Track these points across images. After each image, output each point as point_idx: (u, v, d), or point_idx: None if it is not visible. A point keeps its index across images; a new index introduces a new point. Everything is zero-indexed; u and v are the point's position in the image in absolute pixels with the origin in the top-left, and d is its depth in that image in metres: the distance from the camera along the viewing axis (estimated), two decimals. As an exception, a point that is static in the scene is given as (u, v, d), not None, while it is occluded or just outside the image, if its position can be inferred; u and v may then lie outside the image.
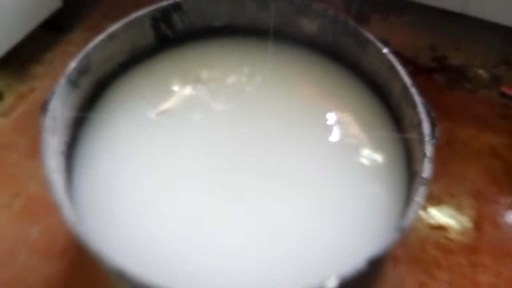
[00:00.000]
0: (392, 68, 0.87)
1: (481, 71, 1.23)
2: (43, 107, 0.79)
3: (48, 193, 0.67)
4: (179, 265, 0.75)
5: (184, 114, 0.92)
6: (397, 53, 0.88)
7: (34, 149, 1.08)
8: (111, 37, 0.90)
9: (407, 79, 0.84)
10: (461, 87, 1.21)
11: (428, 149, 0.75)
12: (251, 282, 0.73)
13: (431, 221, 0.99)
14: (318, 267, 0.74)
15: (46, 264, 0.92)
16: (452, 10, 1.16)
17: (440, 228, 0.98)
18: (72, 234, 0.65)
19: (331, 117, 0.93)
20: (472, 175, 1.05)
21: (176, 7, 0.96)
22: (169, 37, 1.00)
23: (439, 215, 1.00)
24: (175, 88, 0.96)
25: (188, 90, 0.96)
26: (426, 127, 0.78)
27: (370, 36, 0.89)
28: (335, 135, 0.90)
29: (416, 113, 0.81)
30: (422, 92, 0.81)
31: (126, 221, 0.79)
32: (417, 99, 0.81)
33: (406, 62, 1.16)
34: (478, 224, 0.99)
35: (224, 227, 0.78)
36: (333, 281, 0.62)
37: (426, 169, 0.73)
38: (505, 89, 1.19)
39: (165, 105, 0.93)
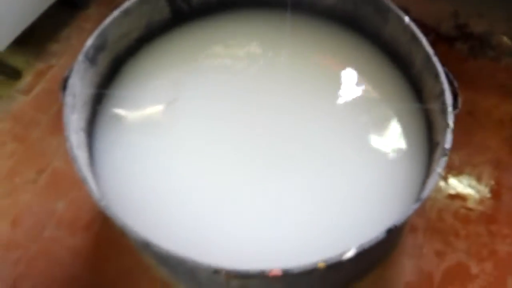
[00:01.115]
0: (414, 37, 0.84)
1: (505, 38, 1.19)
2: (63, 85, 0.80)
3: (72, 168, 0.69)
4: (196, 236, 0.76)
5: (201, 90, 0.92)
6: (417, 21, 0.85)
7: (56, 126, 1.11)
8: (126, 12, 0.89)
9: (429, 49, 0.82)
10: (484, 55, 1.17)
11: (450, 120, 0.74)
12: (279, 248, 0.74)
13: (451, 191, 0.98)
14: (339, 235, 0.74)
15: (72, 237, 0.94)
16: (476, -25, 1.13)
17: (459, 197, 0.97)
18: (97, 207, 0.67)
19: (351, 88, 0.91)
20: (493, 145, 1.04)
21: (191, -20, 0.95)
22: (184, 11, 0.99)
23: (459, 185, 0.99)
24: (191, 64, 0.96)
25: (204, 66, 0.96)
26: (448, 97, 0.76)
27: (392, 5, 0.87)
28: (355, 105, 0.89)
29: (438, 83, 0.79)
30: (444, 62, 0.79)
31: (146, 194, 0.80)
32: (440, 68, 0.80)
33: (427, 30, 1.14)
34: (497, 194, 0.98)
35: (246, 197, 0.80)
36: (353, 251, 0.62)
37: (448, 140, 0.72)
38: (530, 56, 1.16)
39: (182, 81, 0.94)
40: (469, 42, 1.20)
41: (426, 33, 0.85)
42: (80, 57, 0.82)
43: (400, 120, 0.87)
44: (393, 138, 0.86)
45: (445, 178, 1.00)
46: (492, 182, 0.99)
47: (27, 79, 1.17)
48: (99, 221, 0.95)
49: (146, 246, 0.63)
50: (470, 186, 0.99)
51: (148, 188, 0.81)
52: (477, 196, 0.97)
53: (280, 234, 0.76)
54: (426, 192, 0.68)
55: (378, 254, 0.87)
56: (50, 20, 1.22)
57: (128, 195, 0.80)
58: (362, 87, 0.92)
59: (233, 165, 0.82)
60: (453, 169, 1.01)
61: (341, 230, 0.76)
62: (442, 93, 0.78)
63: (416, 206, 0.67)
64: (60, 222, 0.96)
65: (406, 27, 0.86)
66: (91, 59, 0.85)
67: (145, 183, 0.81)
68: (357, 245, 0.63)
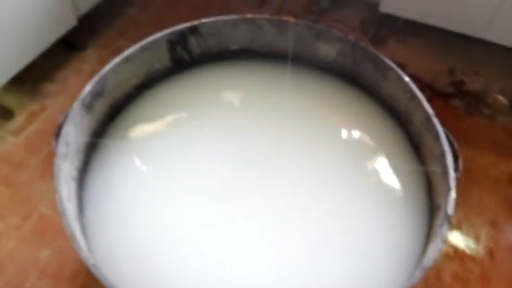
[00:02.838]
0: (414, 96, 0.85)
1: (500, 97, 1.21)
2: (56, 132, 0.78)
3: (59, 215, 0.66)
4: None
5: (198, 138, 0.90)
6: (414, 77, 0.86)
7: (46, 170, 1.08)
8: (126, 60, 0.89)
9: (429, 109, 0.82)
10: (480, 113, 1.18)
11: (452, 184, 0.73)
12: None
13: (449, 251, 0.96)
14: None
15: (55, 288, 0.90)
16: (473, 35, 1.15)
17: (458, 258, 0.95)
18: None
19: (349, 142, 0.91)
20: (491, 204, 1.03)
21: (193, 30, 0.95)
22: (185, 60, 0.99)
23: (457, 245, 0.97)
24: (189, 112, 0.95)
25: (202, 116, 0.94)
26: (449, 160, 0.76)
27: (391, 63, 0.88)
28: (351, 161, 0.88)
29: (439, 144, 0.79)
30: (440, 118, 0.79)
31: (136, 250, 0.77)
32: (440, 130, 0.79)
33: (423, 86, 1.15)
34: (495, 255, 0.96)
35: (242, 255, 0.77)
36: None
37: (451, 205, 0.71)
38: (525, 116, 1.17)
39: (179, 129, 0.92)
40: (465, 99, 1.21)
41: (421, 89, 0.85)
42: (76, 104, 0.81)
43: (400, 178, 0.86)
44: (393, 196, 0.84)
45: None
46: (490, 244, 0.97)
47: (19, 119, 1.14)
48: (84, 272, 0.91)
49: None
50: (468, 247, 0.97)
51: (138, 244, 0.77)
52: (475, 257, 0.95)
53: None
54: (429, 260, 0.66)
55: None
56: (47, 60, 1.21)
57: (117, 250, 0.77)
58: (362, 142, 0.91)
59: (230, 221, 0.80)
60: (451, 228, 0.99)
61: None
62: (442, 154, 0.77)
63: (419, 274, 0.64)
64: (44, 272, 0.91)
65: (405, 85, 0.87)
66: (88, 106, 0.84)
67: (134, 238, 0.78)
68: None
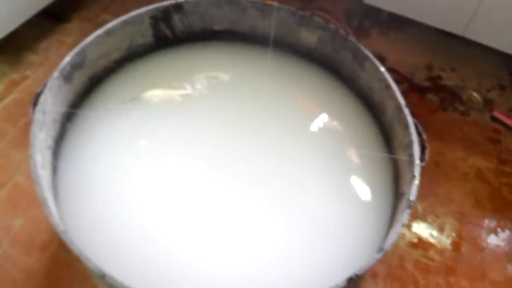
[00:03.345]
0: (388, 87, 0.87)
1: (475, 94, 1.24)
2: (34, 100, 0.78)
3: (34, 184, 0.67)
4: (158, 267, 0.75)
5: (173, 115, 0.92)
6: (393, 70, 0.88)
7: (23, 139, 1.08)
8: (108, 33, 0.89)
9: (401, 99, 0.84)
10: (454, 108, 1.22)
11: (417, 172, 0.75)
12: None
13: (413, 239, 1.00)
14: (299, 284, 0.74)
15: (27, 256, 0.91)
16: (453, 32, 1.17)
17: (421, 246, 0.99)
18: (54, 229, 0.65)
19: (324, 129, 0.93)
20: (457, 197, 1.06)
21: (177, 7, 0.95)
22: (167, 37, 1.00)
23: (421, 234, 1.01)
24: (168, 89, 0.96)
25: (181, 93, 0.95)
26: (416, 149, 0.78)
27: (369, 54, 0.89)
28: (323, 148, 0.90)
29: (408, 134, 0.81)
30: (415, 111, 0.81)
31: (107, 219, 0.78)
32: (410, 120, 0.82)
33: (402, 79, 1.17)
34: (458, 246, 1.00)
35: (210, 230, 0.78)
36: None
37: (413, 192, 0.73)
38: (497, 114, 1.20)
39: (155, 105, 0.93)
40: (440, 94, 1.24)
41: (400, 82, 0.87)
42: (55, 74, 0.81)
43: (369, 166, 0.89)
44: (360, 183, 0.87)
45: (408, 226, 1.02)
46: (454, 234, 1.01)
47: (-1, 88, 1.14)
48: (56, 242, 0.92)
49: (101, 277, 0.61)
50: (432, 236, 1.00)
51: (109, 214, 0.79)
52: (438, 246, 0.99)
53: (246, 271, 0.76)
54: (388, 243, 0.68)
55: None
56: (30, 30, 1.20)
57: (89, 219, 0.78)
58: (334, 129, 0.93)
59: (202, 196, 0.81)
60: (416, 218, 1.03)
61: (303, 270, 0.75)
62: (410, 144, 0.80)
63: (378, 256, 0.67)
64: (16, 240, 0.92)
65: (381, 75, 0.89)
66: (67, 77, 0.84)
67: (107, 209, 0.79)
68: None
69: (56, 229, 0.65)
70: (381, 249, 0.68)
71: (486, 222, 1.03)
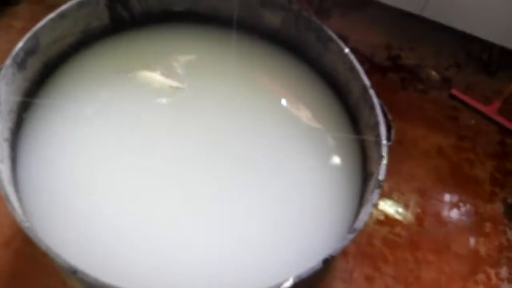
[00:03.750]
0: (353, 68, 0.87)
1: (433, 73, 1.27)
2: (-14, 90, 0.73)
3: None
4: (122, 259, 0.73)
5: (132, 101, 0.88)
6: (354, 50, 0.88)
7: (-27, 131, 1.01)
8: (62, 16, 0.84)
9: (366, 81, 0.85)
10: (414, 87, 1.24)
11: (385, 152, 0.76)
12: (212, 274, 0.73)
13: (380, 217, 1.02)
14: (273, 266, 0.74)
15: (-12, 254, 0.87)
16: (411, 11, 1.19)
17: (388, 223, 1.01)
18: (18, 224, 0.62)
19: (288, 112, 0.93)
20: (420, 174, 1.09)
21: (134, -12, 0.91)
22: (125, 20, 0.95)
23: (387, 212, 1.03)
24: (125, 74, 0.92)
25: (139, 77, 0.92)
26: (382, 130, 0.79)
27: (333, 35, 0.89)
28: (292, 130, 0.90)
29: (374, 115, 0.82)
30: (377, 91, 0.82)
31: (69, 211, 0.75)
32: (375, 101, 0.83)
33: (362, 59, 1.18)
34: (422, 221, 1.03)
35: (177, 218, 0.77)
36: (290, 281, 0.62)
37: (382, 172, 0.74)
38: (455, 92, 1.24)
39: (112, 91, 0.89)
40: (400, 73, 1.26)
41: (361, 62, 0.87)
42: (8, 61, 0.76)
43: (336, 147, 0.89)
44: (328, 164, 0.87)
45: (375, 205, 1.03)
46: (418, 210, 1.04)
47: None
48: (19, 236, 0.88)
49: (73, 273, 0.59)
50: (397, 213, 1.03)
51: (71, 205, 0.75)
52: (404, 222, 1.02)
53: (214, 258, 0.75)
54: (360, 223, 0.69)
55: (313, 281, 0.88)
56: (-26, 15, 1.12)
57: (52, 213, 0.74)
58: (301, 112, 0.93)
59: (165, 184, 0.79)
60: (382, 196, 1.05)
61: (275, 254, 0.75)
62: (377, 125, 0.81)
63: (351, 236, 0.68)
64: (-25, 237, 0.87)
65: (345, 57, 0.89)
66: (20, 64, 0.79)
67: (68, 201, 0.75)
68: (294, 275, 0.63)
69: (22, 226, 0.61)
70: (353, 229, 0.68)
71: (448, 197, 1.07)
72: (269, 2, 0.93)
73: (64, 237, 0.73)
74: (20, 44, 0.78)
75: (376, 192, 0.72)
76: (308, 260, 0.73)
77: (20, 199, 0.74)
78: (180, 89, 0.92)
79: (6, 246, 0.87)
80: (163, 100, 0.90)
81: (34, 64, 0.83)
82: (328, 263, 0.65)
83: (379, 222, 1.02)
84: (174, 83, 0.92)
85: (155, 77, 0.93)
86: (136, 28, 0.98)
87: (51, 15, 0.83)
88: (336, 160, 0.87)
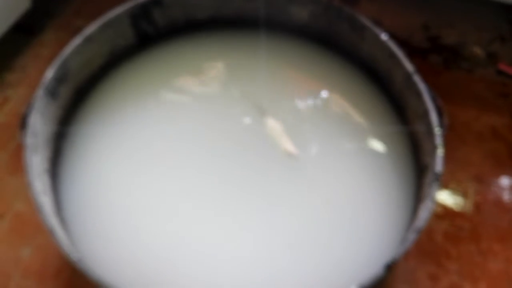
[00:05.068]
0: (393, 55, 0.82)
1: (476, 49, 1.19)
2: (22, 123, 0.73)
3: (36, 211, 0.63)
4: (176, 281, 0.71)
5: (168, 122, 0.86)
6: (390, 35, 0.83)
7: (15, 165, 1.02)
8: (88, 40, 0.83)
9: (409, 67, 0.79)
10: (458, 66, 1.17)
11: (439, 141, 0.71)
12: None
13: (438, 210, 0.96)
14: (333, 275, 0.70)
15: (42, 286, 0.86)
16: (445, -13, 1.12)
17: (447, 216, 0.95)
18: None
19: (330, 109, 0.88)
20: (476, 159, 1.02)
21: (156, 2, 0.89)
22: (150, 35, 0.94)
23: (446, 203, 0.97)
24: (158, 93, 0.90)
25: (172, 94, 0.90)
26: (433, 117, 0.74)
27: (367, 22, 0.84)
28: (335, 129, 0.86)
29: (422, 103, 0.76)
30: (420, 76, 0.77)
31: (117, 235, 0.74)
32: (422, 87, 0.77)
33: (400, 43, 1.11)
34: (484, 209, 0.96)
35: (222, 239, 0.74)
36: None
37: (439, 163, 0.69)
38: (503, 67, 1.16)
39: (148, 113, 0.87)
40: (442, 54, 1.19)
41: (399, 46, 0.82)
42: (40, 92, 0.75)
43: (384, 141, 0.84)
44: (377, 161, 0.82)
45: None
46: (478, 198, 0.97)
47: (-19, 113, 1.08)
48: (69, 267, 0.87)
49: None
50: (457, 203, 0.96)
51: (120, 232, 0.74)
52: (464, 213, 0.95)
53: (266, 271, 0.72)
54: (422, 221, 0.64)
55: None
56: (2, 48, 1.13)
57: (100, 242, 0.73)
58: (342, 107, 0.89)
59: (210, 206, 0.77)
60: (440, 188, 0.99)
61: (336, 272, 0.71)
62: (426, 112, 0.75)
63: (414, 236, 0.63)
64: (27, 271, 0.87)
65: (383, 44, 0.84)
66: (53, 92, 0.78)
67: (117, 228, 0.74)
68: (356, 284, 0.59)
69: (71, 258, 0.60)
70: (416, 229, 0.63)
71: (509, 181, 0.99)
72: (296, -4, 0.89)
73: (113, 266, 0.71)
74: (50, 73, 0.77)
75: (435, 186, 0.67)
76: (364, 266, 0.69)
77: (67, 229, 0.73)
78: (214, 99, 0.89)
79: (56, 278, 0.87)
80: (198, 114, 0.87)
81: (66, 91, 0.82)
82: (390, 269, 0.61)
83: (437, 215, 0.95)
84: (208, 93, 0.90)
85: (187, 90, 0.91)
86: (163, 42, 0.96)
87: (78, 40, 0.82)
88: (385, 154, 0.83)
